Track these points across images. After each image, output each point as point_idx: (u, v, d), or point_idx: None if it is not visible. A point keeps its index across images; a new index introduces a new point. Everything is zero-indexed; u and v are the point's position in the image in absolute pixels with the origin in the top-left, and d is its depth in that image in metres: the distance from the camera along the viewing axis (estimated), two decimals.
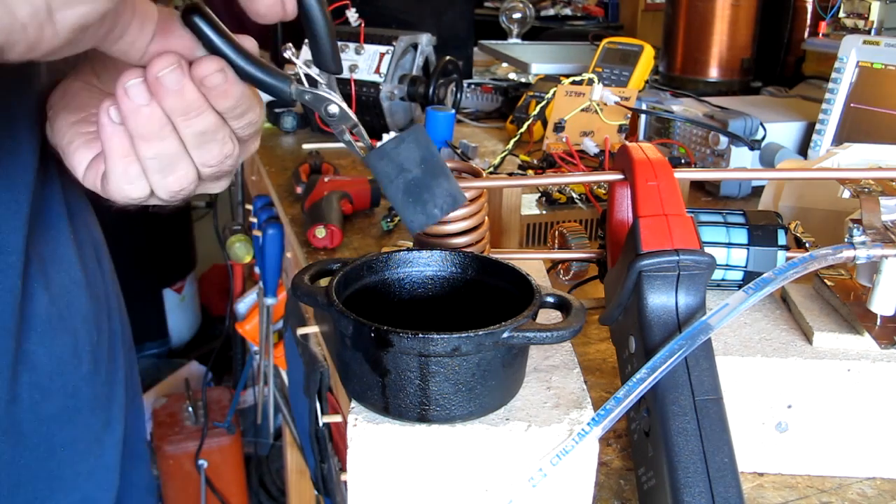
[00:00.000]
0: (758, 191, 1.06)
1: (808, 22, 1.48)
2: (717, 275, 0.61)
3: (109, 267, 0.74)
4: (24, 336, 0.59)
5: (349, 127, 0.49)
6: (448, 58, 1.40)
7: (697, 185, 1.15)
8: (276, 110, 1.53)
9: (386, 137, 0.49)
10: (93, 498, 0.68)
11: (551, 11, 2.45)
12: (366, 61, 1.38)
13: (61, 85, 0.53)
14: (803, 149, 1.15)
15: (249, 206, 1.44)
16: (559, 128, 1.24)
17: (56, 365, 0.62)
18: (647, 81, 1.47)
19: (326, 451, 0.95)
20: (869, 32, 1.23)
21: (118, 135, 0.43)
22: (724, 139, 1.10)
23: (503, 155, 1.18)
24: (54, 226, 0.63)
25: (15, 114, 0.55)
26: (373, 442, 0.46)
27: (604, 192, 0.96)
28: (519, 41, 2.19)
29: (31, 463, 0.61)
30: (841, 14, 1.30)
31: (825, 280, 0.60)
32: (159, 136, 0.43)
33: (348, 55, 1.40)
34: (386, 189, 0.49)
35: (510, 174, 1.06)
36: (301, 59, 0.46)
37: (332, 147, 1.39)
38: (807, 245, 0.65)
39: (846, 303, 0.57)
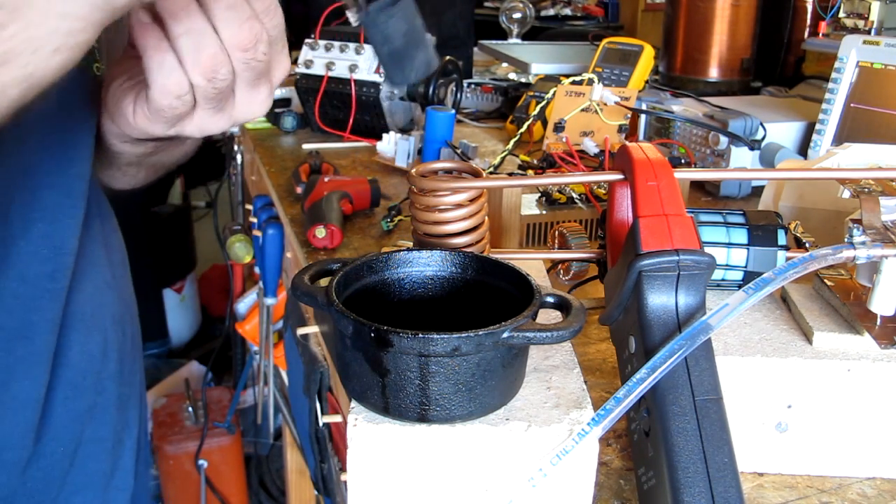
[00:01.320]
0: (758, 191, 1.06)
1: (808, 22, 1.48)
2: (717, 275, 0.61)
3: (129, 272, 0.76)
4: (63, 333, 0.62)
5: None
6: (448, 58, 1.40)
7: (697, 185, 1.15)
8: (277, 110, 1.53)
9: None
10: (112, 499, 0.69)
11: (551, 11, 2.46)
12: (366, 61, 1.38)
13: (114, 61, 0.57)
14: (803, 149, 1.15)
15: (249, 206, 1.44)
16: (559, 128, 1.24)
17: (88, 363, 0.65)
18: (647, 81, 1.47)
19: (326, 451, 0.95)
20: (869, 32, 1.23)
21: (150, 30, 0.47)
22: (724, 139, 1.10)
23: (503, 155, 1.18)
24: (89, 227, 0.66)
25: (74, 129, 0.60)
26: (373, 442, 0.46)
27: (604, 192, 0.96)
28: (519, 41, 2.19)
29: (57, 461, 0.63)
30: (841, 14, 1.30)
31: (825, 280, 0.60)
32: (186, 10, 0.46)
33: (348, 55, 1.40)
34: (375, 49, 0.55)
35: (510, 174, 1.06)
36: None
37: (332, 147, 1.39)
38: (807, 245, 0.65)
39: (846, 303, 0.57)
